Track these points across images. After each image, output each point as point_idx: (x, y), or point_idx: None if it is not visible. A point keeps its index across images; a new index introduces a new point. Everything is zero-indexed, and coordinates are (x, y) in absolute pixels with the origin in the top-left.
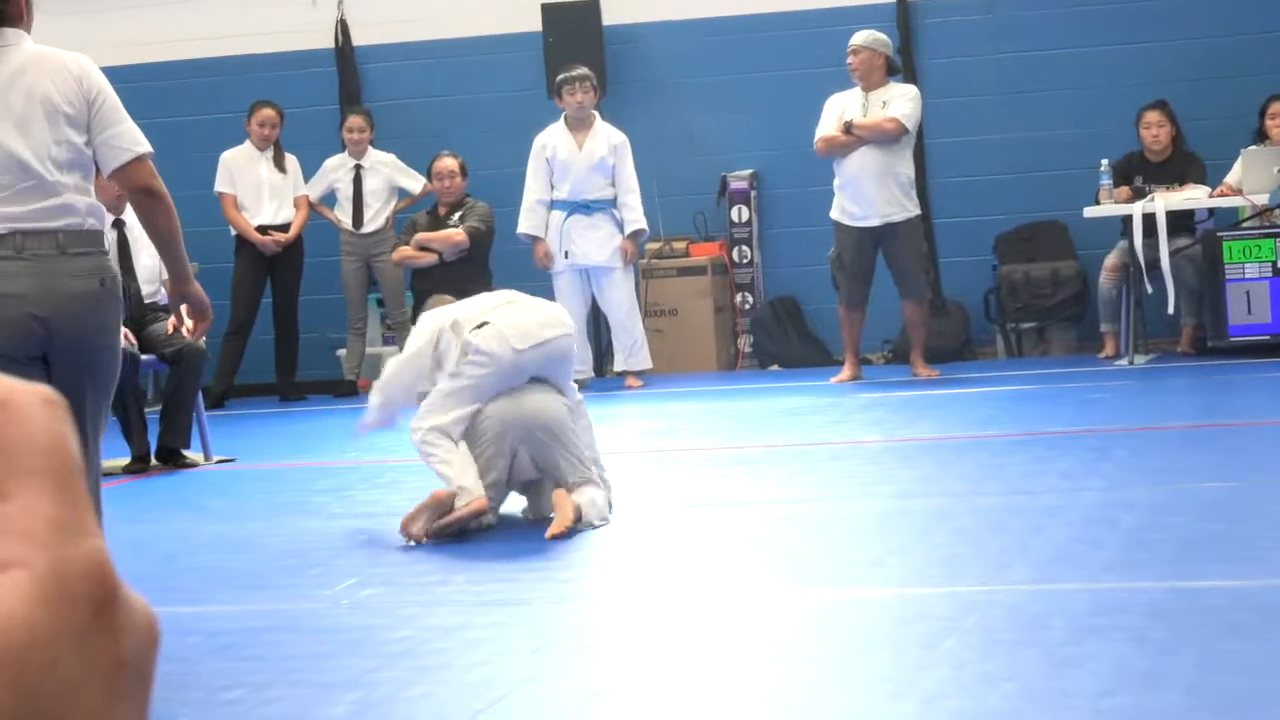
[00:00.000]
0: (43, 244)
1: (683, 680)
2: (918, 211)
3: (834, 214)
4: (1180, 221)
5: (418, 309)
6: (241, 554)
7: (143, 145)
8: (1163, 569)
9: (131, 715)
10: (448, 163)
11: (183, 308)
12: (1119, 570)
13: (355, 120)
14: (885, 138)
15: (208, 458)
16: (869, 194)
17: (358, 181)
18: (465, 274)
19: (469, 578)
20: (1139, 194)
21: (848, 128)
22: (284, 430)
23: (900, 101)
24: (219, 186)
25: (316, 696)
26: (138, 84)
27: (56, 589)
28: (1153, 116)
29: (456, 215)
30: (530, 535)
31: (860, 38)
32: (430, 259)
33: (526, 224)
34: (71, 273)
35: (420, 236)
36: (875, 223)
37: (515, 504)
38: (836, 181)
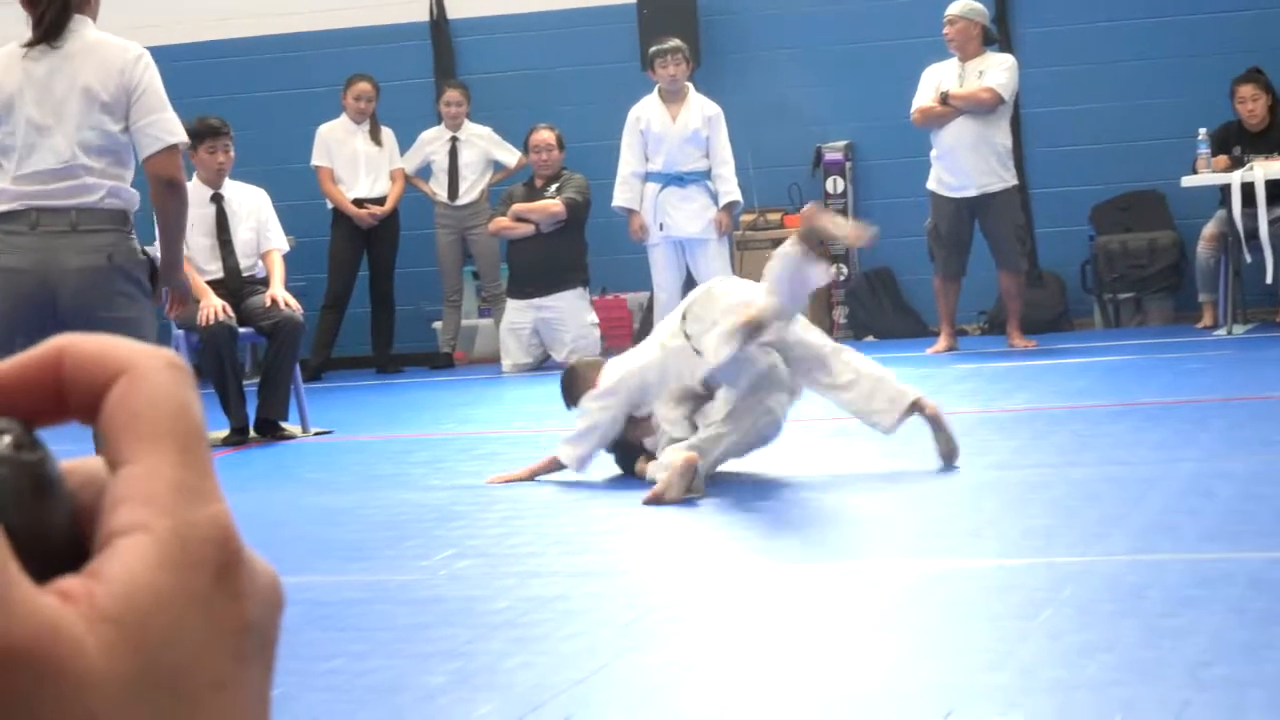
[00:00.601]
0: (56, 221)
1: (777, 651)
2: (1014, 181)
3: (930, 184)
4: (1279, 190)
5: (513, 281)
6: (340, 525)
7: (175, 135)
8: (1261, 539)
9: (256, 679)
10: (545, 135)
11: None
12: (1217, 540)
13: (452, 94)
14: (981, 108)
15: (305, 430)
16: (965, 164)
17: (453, 154)
18: (561, 246)
19: (565, 549)
20: (1237, 163)
21: (944, 98)
22: (381, 402)
23: (996, 71)
24: (315, 160)
25: (415, 666)
26: (231, 59)
27: (179, 552)
28: (1246, 90)
29: (553, 187)
30: (625, 506)
31: (956, 7)
32: (527, 230)
33: (621, 196)
34: (79, 249)
35: (517, 207)
36: (972, 193)
37: (604, 470)
38: (933, 152)
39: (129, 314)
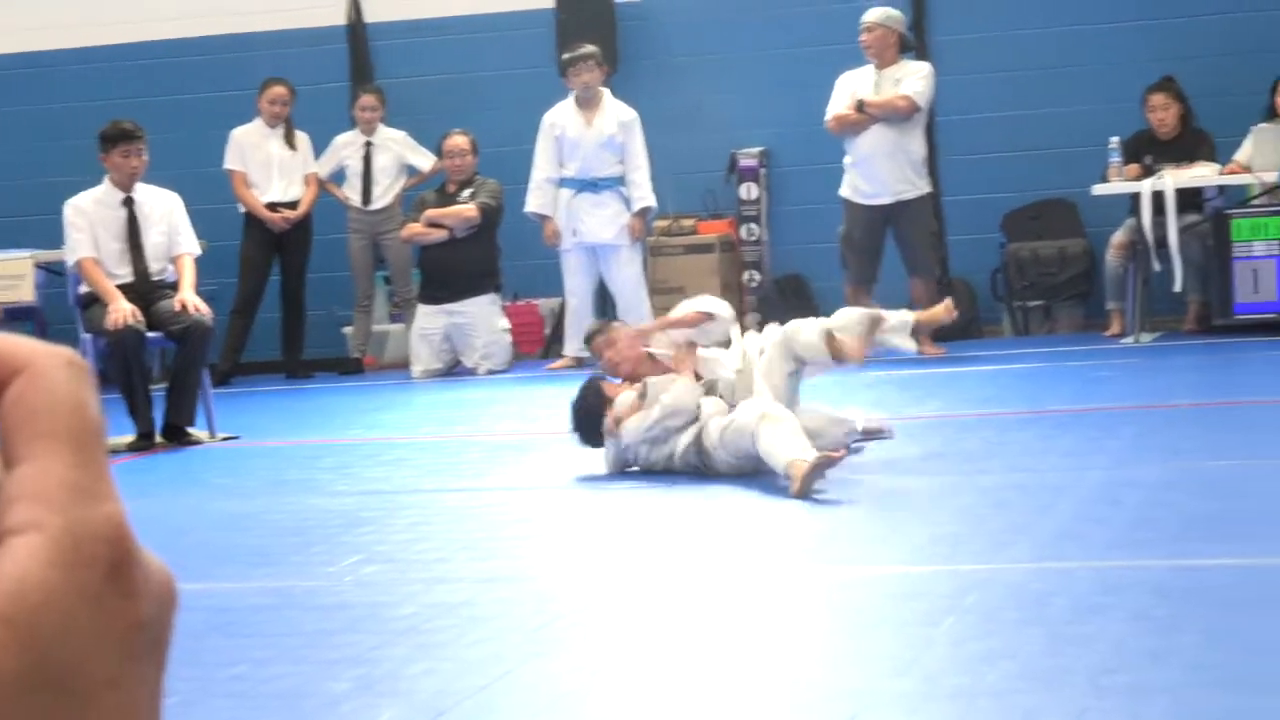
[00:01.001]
0: None
1: (683, 657)
2: (929, 189)
3: (844, 191)
4: (1188, 199)
5: (425, 285)
6: (245, 531)
7: None
8: (1166, 547)
9: (148, 677)
10: (458, 140)
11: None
12: (1122, 548)
13: (367, 98)
14: (898, 116)
15: (213, 435)
16: (881, 172)
17: (368, 159)
18: (474, 251)
19: (472, 555)
20: (1148, 172)
21: (860, 106)
22: (289, 407)
23: (913, 79)
24: (228, 164)
25: (319, 673)
26: (146, 62)
27: (71, 551)
28: (1157, 99)
29: (466, 193)
30: (533, 512)
31: (874, 14)
32: (440, 235)
33: (535, 202)
34: None
35: (431, 213)
36: (887, 200)
37: (512, 477)
38: (847, 159)
39: None
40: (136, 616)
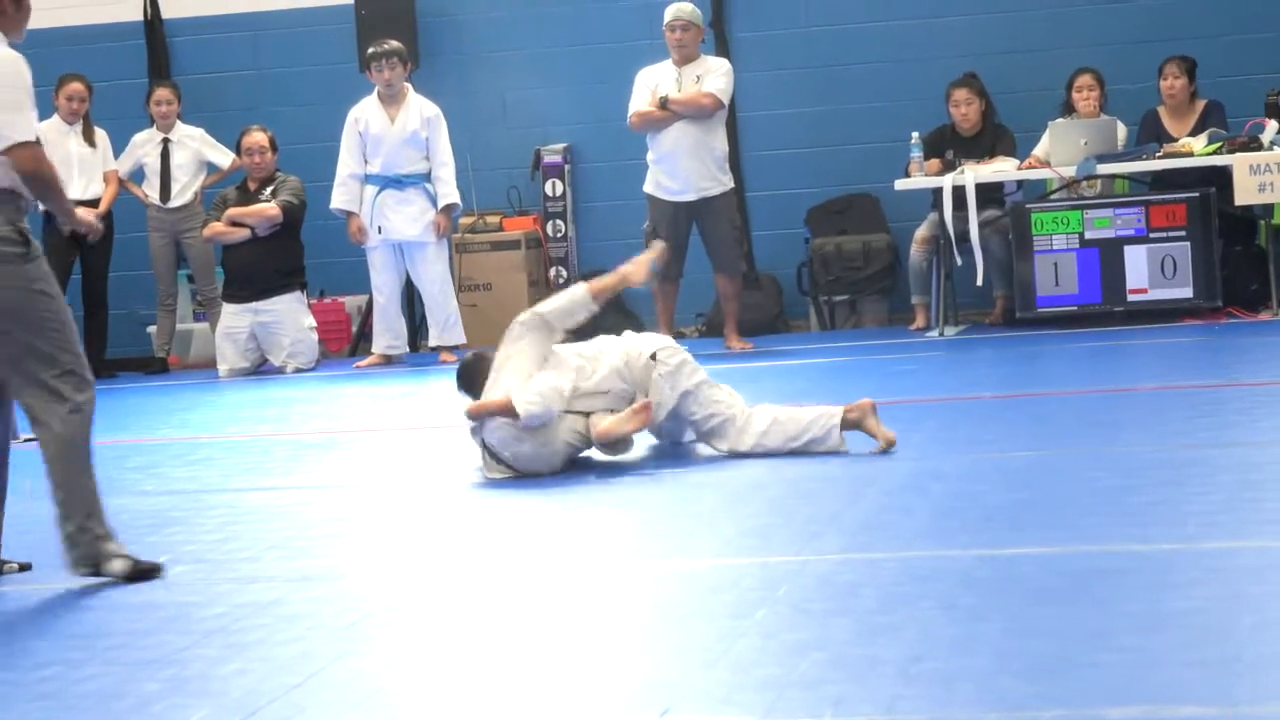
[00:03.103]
0: None
1: (495, 652)
2: (731, 185)
3: (648, 188)
4: (989, 194)
5: (229, 285)
6: (53, 533)
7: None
8: (972, 537)
9: None
10: (257, 137)
11: None
12: (929, 538)
13: (162, 93)
14: (702, 113)
15: (15, 436)
16: (684, 169)
17: (165, 156)
18: (278, 249)
19: (282, 554)
20: (950, 167)
21: (663, 103)
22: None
23: (715, 76)
24: None
25: (131, 674)
26: None
27: None
28: (960, 94)
29: (268, 190)
30: (345, 511)
31: (686, 12)
32: (242, 234)
33: (339, 199)
34: None
35: (232, 212)
36: (691, 197)
37: (323, 475)
38: (650, 156)
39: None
40: None
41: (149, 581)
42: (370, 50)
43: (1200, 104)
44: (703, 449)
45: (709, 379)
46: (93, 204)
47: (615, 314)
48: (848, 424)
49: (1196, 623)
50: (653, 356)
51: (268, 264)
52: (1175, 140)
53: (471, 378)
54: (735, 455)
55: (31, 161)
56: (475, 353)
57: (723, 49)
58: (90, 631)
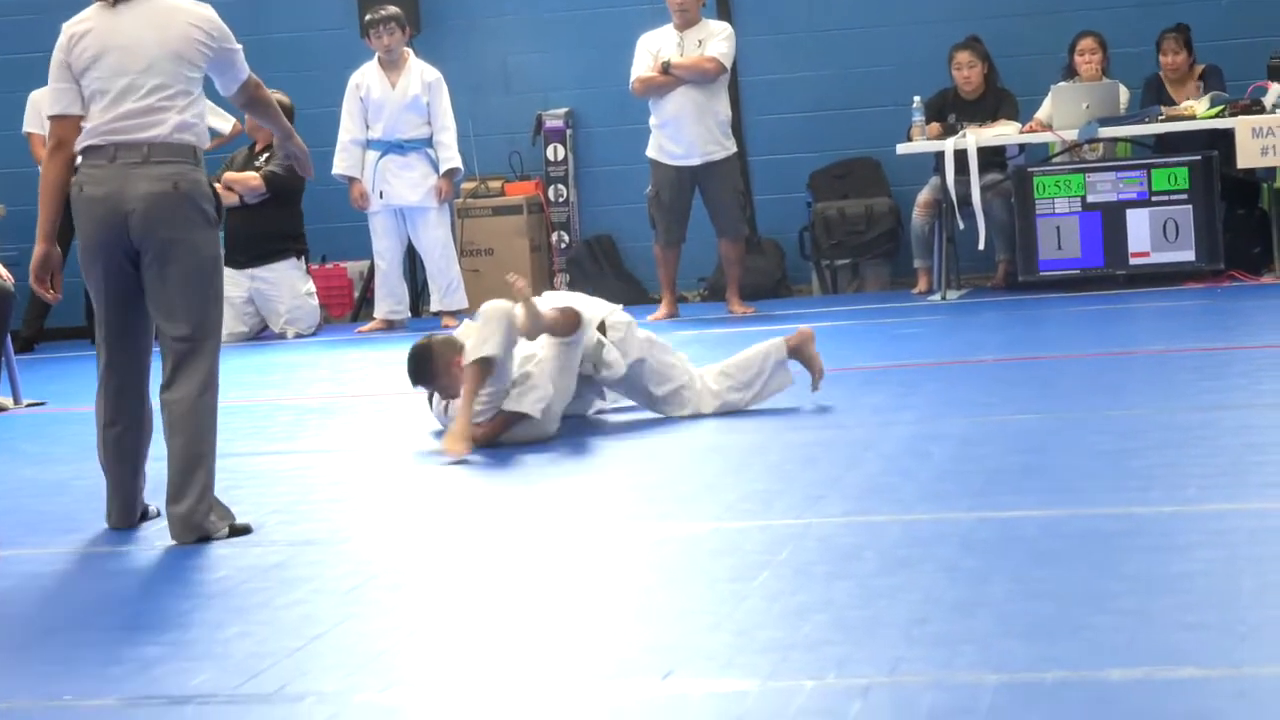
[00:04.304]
0: (131, 154)
1: (498, 616)
2: (734, 149)
3: (651, 152)
4: (992, 158)
5: (227, 250)
6: (53, 497)
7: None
8: (973, 500)
9: None
10: None
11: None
12: (930, 501)
13: None
14: (705, 78)
15: (17, 401)
16: (689, 133)
17: None
18: (275, 216)
19: (285, 518)
20: (951, 131)
21: (665, 68)
22: (92, 374)
23: (717, 41)
24: (27, 126)
25: (131, 638)
26: None
27: None
28: (963, 57)
29: (264, 155)
30: (347, 475)
31: None
32: (233, 199)
33: (341, 164)
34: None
35: (226, 176)
36: (695, 162)
37: (325, 440)
38: (653, 120)
39: (191, 237)
40: None
41: (149, 547)
42: (368, 16)
43: (1198, 69)
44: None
45: (659, 341)
46: None
47: (616, 278)
48: (791, 352)
49: (1198, 585)
50: (600, 326)
51: (264, 230)
52: (1177, 105)
53: (423, 367)
54: (699, 416)
55: (259, 86)
56: (422, 342)
57: (724, 13)
58: (87, 596)
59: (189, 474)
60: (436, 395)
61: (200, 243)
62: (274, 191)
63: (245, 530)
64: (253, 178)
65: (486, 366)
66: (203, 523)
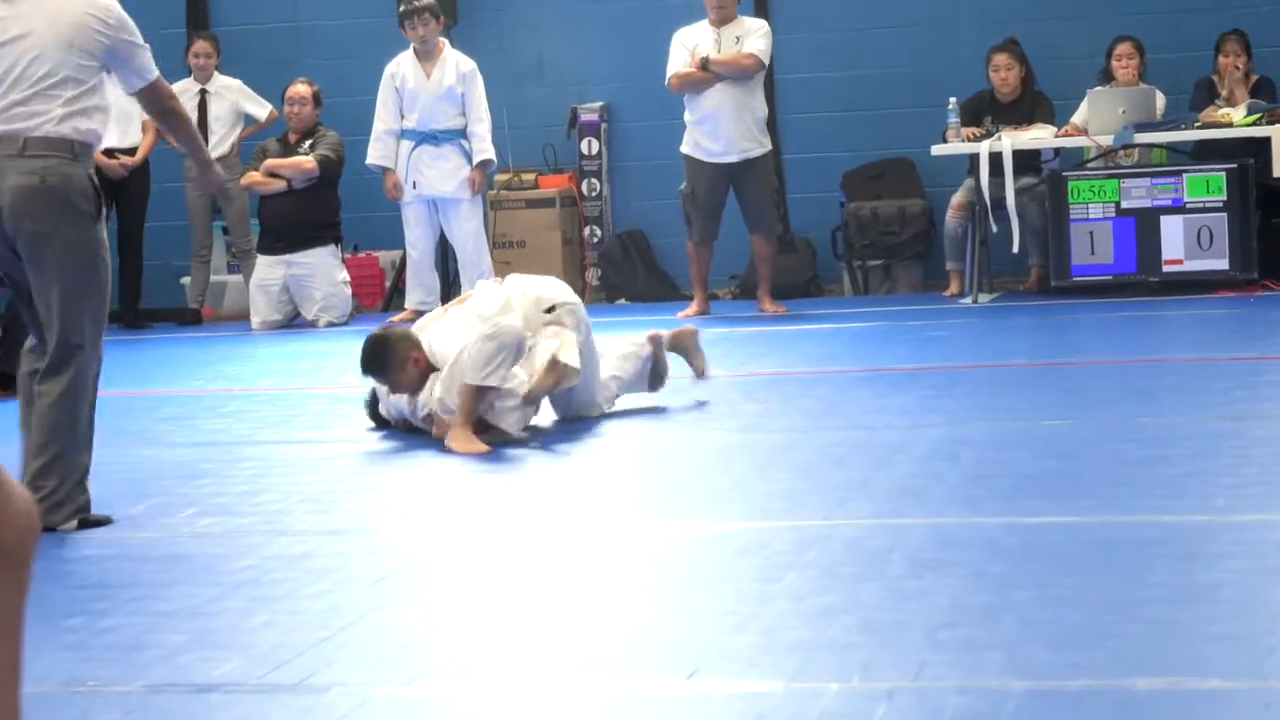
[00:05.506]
0: (7, 146)
1: (523, 610)
2: (770, 147)
3: (686, 149)
4: (1026, 161)
5: (264, 236)
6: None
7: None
8: (1001, 504)
9: (6, 597)
10: (300, 89)
11: None
12: (958, 505)
13: (201, 45)
14: (744, 74)
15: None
16: (727, 130)
17: (203, 107)
18: (314, 202)
19: (312, 508)
20: (987, 133)
21: (704, 64)
22: (127, 358)
23: (755, 38)
24: None
25: (156, 624)
26: None
27: None
28: (1001, 59)
29: (308, 143)
30: (376, 465)
31: None
32: (279, 185)
33: (375, 154)
34: (20, 170)
35: (270, 163)
36: (733, 158)
37: (351, 430)
38: (689, 117)
39: (63, 231)
40: None
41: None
42: (402, 8)
43: (1254, 78)
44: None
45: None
46: (130, 152)
47: (648, 274)
48: (672, 346)
49: (1225, 595)
50: (550, 309)
51: (303, 217)
52: (1228, 107)
53: (377, 360)
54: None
55: (170, 97)
56: (380, 333)
57: (762, 10)
58: (115, 582)
59: (43, 467)
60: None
61: (72, 236)
62: (324, 175)
63: (102, 522)
64: (306, 161)
65: (483, 393)
66: (49, 514)
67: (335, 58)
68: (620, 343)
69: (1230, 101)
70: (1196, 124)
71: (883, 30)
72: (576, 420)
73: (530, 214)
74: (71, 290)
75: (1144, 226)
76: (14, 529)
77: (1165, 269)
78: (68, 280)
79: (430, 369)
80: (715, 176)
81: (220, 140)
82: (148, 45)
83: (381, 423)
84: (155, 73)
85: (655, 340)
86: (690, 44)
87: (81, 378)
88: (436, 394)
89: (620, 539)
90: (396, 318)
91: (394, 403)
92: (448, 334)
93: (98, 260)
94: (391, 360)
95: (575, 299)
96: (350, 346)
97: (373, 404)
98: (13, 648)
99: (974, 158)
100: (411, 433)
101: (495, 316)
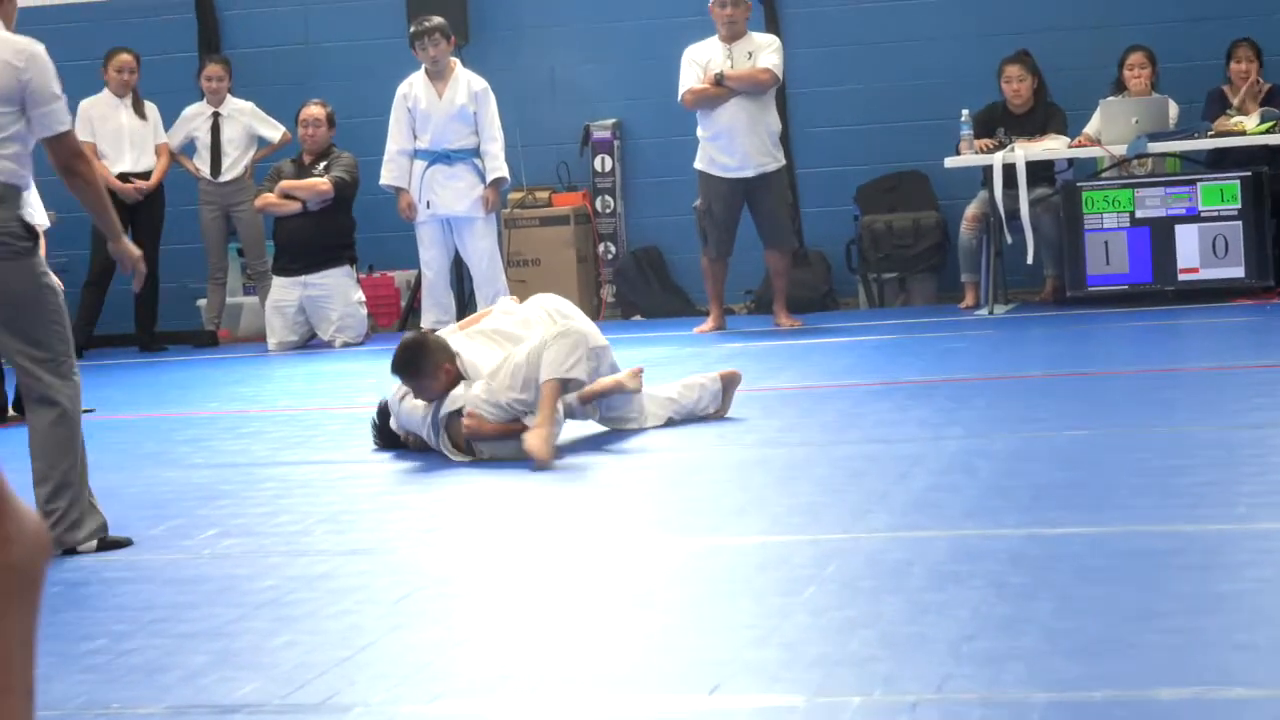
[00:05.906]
0: None
1: (545, 628)
2: (784, 161)
3: (700, 165)
4: (1040, 172)
5: (279, 258)
6: (101, 504)
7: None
8: (1021, 516)
9: (19, 616)
10: (314, 111)
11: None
12: (978, 517)
13: (213, 69)
14: (759, 89)
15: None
16: (742, 145)
17: (215, 130)
18: (329, 223)
19: (332, 528)
20: (1000, 145)
21: (719, 79)
22: (144, 381)
23: (768, 53)
24: (78, 135)
25: (178, 646)
26: None
27: None
28: (1013, 70)
29: (321, 165)
30: (395, 484)
31: None
32: (294, 207)
33: (389, 175)
34: None
35: (285, 185)
36: (749, 174)
37: (364, 447)
38: (703, 133)
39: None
40: (9, 560)
41: (196, 556)
42: (413, 29)
43: (1265, 86)
44: (755, 428)
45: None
46: (144, 176)
47: (663, 290)
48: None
49: (1247, 604)
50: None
51: (318, 237)
52: (1241, 116)
53: (413, 363)
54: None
55: (77, 155)
56: (417, 337)
57: (772, 25)
58: (137, 604)
59: (52, 491)
60: (409, 394)
61: (10, 279)
62: (339, 197)
63: (122, 543)
64: (321, 182)
65: (566, 386)
66: (68, 534)
67: (347, 79)
68: (696, 375)
69: (1242, 110)
70: (1210, 133)
71: (894, 43)
72: (611, 432)
73: (544, 232)
74: (29, 324)
75: (1159, 236)
76: (24, 547)
77: (1181, 278)
78: (23, 319)
79: (458, 379)
80: (730, 192)
81: (234, 163)
82: (65, 96)
83: (388, 442)
84: (68, 125)
85: (728, 379)
86: (701, 60)
87: (71, 400)
88: (475, 391)
89: (640, 555)
90: None
91: (408, 413)
92: (479, 349)
93: (42, 289)
94: (425, 365)
95: (591, 327)
96: (367, 366)
97: (382, 421)
98: (26, 667)
99: (987, 169)
100: (424, 451)
101: (558, 322)
